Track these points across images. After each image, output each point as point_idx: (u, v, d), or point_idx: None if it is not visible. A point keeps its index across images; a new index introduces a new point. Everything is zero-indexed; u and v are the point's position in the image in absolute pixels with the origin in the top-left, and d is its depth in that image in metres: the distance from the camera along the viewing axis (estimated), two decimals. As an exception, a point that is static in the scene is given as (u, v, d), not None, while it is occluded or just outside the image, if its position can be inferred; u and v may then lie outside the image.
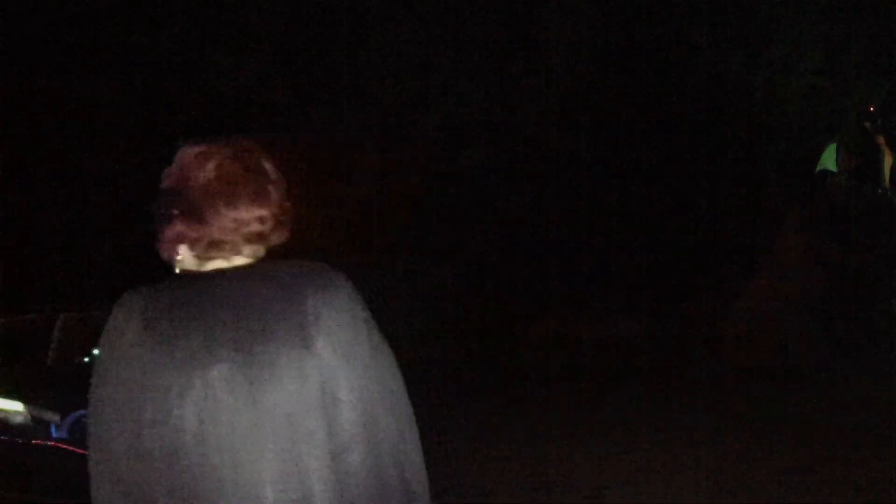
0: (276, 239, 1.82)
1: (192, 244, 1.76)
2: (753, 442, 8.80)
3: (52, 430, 6.99)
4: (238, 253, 1.78)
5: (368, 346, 1.76)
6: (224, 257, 1.78)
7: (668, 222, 15.86)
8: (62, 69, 14.03)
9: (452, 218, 16.25)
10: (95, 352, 1.74)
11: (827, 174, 14.25)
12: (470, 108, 15.57)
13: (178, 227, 1.76)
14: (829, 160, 14.20)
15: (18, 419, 7.09)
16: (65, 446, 6.80)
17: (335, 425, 1.69)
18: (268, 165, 1.83)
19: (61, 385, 7.24)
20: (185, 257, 1.79)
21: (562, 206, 16.11)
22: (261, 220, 1.78)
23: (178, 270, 1.80)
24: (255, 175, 1.79)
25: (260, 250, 1.81)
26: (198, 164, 1.78)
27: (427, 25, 15.01)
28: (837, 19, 14.58)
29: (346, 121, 15.38)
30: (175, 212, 1.77)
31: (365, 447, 1.71)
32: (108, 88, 14.37)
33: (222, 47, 14.79)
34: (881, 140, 14.55)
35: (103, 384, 1.65)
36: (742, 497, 7.05)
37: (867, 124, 14.28)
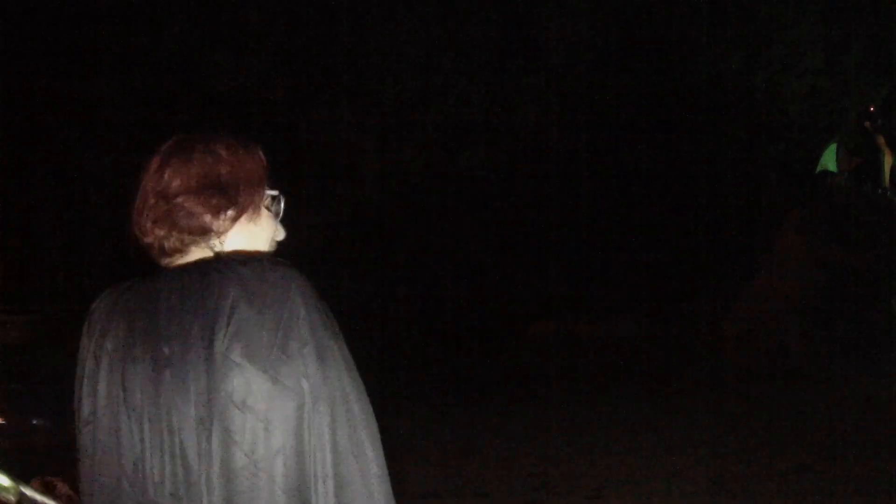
0: (223, 230, 1.71)
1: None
2: (753, 442, 8.80)
3: None
4: (186, 249, 1.71)
5: (296, 350, 1.59)
6: (181, 253, 1.72)
7: (669, 222, 15.86)
8: (62, 69, 14.03)
9: (452, 218, 16.25)
10: None
11: (827, 174, 14.24)
12: (470, 108, 15.57)
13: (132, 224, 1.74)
14: (829, 160, 14.19)
15: None
16: None
17: (238, 433, 1.56)
18: (220, 154, 1.73)
19: None
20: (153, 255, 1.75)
21: (562, 207, 16.11)
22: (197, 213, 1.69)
23: None
24: (194, 167, 1.71)
25: (217, 245, 1.71)
26: (149, 163, 1.77)
27: (427, 25, 15.00)
28: (837, 19, 14.58)
29: (346, 121, 15.38)
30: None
31: (264, 464, 1.57)
32: (108, 88, 14.37)
33: (222, 47, 14.79)
34: (881, 140, 14.54)
35: (74, 377, 1.70)
36: (742, 497, 7.05)
37: (867, 124, 14.27)
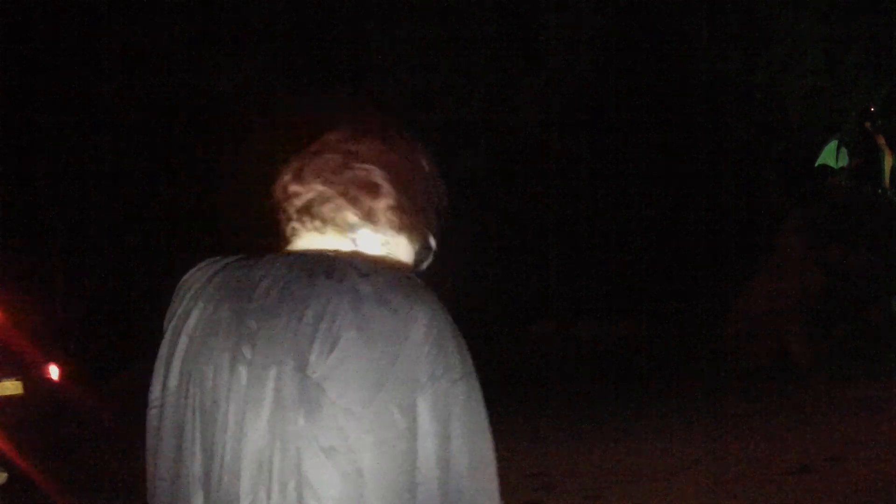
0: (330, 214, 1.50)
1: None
2: (753, 442, 8.80)
3: None
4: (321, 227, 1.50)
5: (408, 398, 1.32)
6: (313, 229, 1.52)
7: (669, 222, 15.86)
8: (62, 69, 14.03)
9: (452, 218, 16.25)
10: None
11: (827, 170, 14.27)
12: (470, 108, 15.57)
13: None
14: (829, 157, 14.22)
15: None
16: None
17: (318, 483, 1.32)
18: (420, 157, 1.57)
19: None
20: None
21: (562, 207, 16.11)
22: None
23: None
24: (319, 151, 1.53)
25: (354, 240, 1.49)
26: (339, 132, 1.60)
27: (427, 25, 15.01)
28: (837, 19, 14.58)
29: (346, 121, 15.37)
30: None
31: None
32: (108, 88, 14.37)
33: (222, 47, 14.79)
34: (881, 140, 14.57)
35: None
36: (742, 497, 7.05)
37: (867, 124, 14.32)
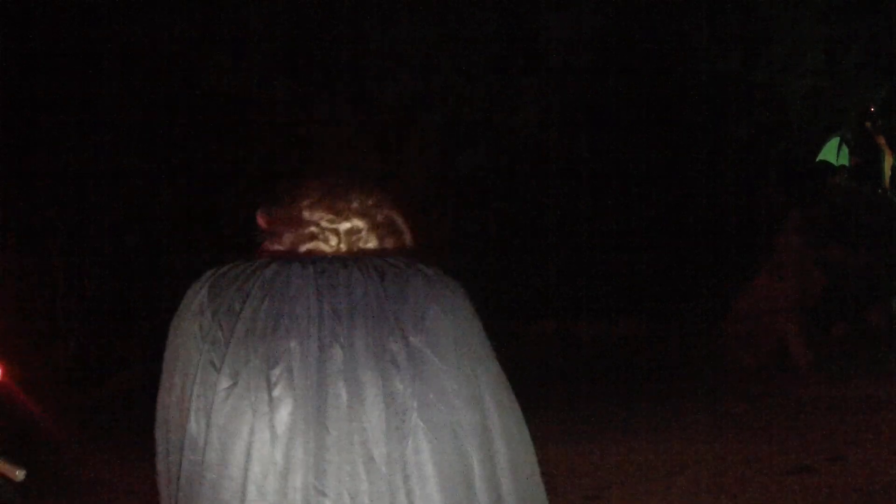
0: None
1: None
2: (753, 442, 8.80)
3: None
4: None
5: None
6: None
7: (669, 222, 15.86)
8: (62, 69, 14.03)
9: (452, 218, 16.25)
10: None
11: (827, 170, 14.26)
12: (470, 108, 15.57)
13: None
14: (829, 154, 14.22)
15: None
16: None
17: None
18: None
19: None
20: None
21: (562, 207, 16.11)
22: None
23: None
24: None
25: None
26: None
27: (427, 25, 15.01)
28: (837, 19, 14.58)
29: (346, 121, 15.39)
30: None
31: None
32: (108, 88, 14.37)
33: (222, 47, 14.79)
34: (881, 140, 14.56)
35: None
36: (742, 497, 7.05)
37: (867, 124, 14.31)
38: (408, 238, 1.76)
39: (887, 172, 14.18)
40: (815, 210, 13.98)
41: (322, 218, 1.70)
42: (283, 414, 1.47)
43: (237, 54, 14.88)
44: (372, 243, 1.71)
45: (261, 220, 1.72)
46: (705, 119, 15.44)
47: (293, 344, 1.49)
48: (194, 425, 1.46)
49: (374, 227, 1.73)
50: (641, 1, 15.34)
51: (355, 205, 1.72)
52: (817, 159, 13.86)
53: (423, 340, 1.51)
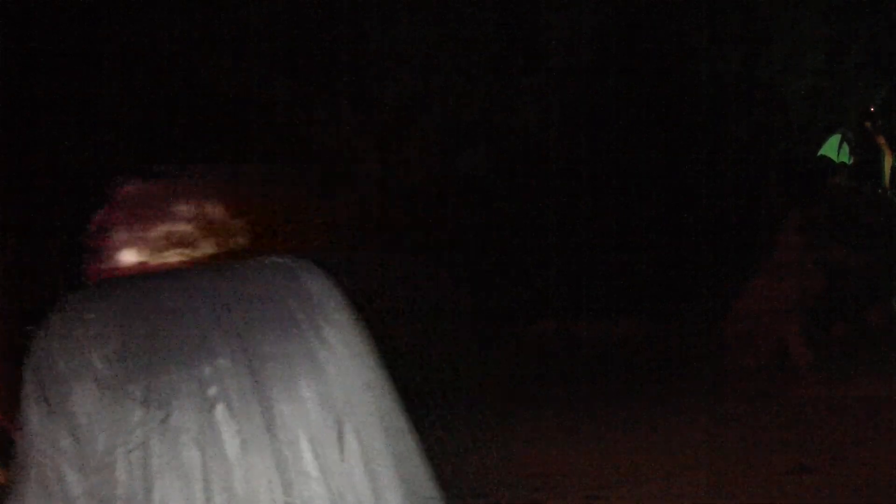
0: None
1: None
2: (753, 442, 8.80)
3: None
4: None
5: None
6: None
7: (668, 222, 15.85)
8: (62, 69, 14.03)
9: (452, 218, 16.25)
10: None
11: (827, 170, 14.25)
12: (470, 108, 15.57)
13: None
14: (830, 150, 14.21)
15: None
16: None
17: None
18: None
19: None
20: None
21: (562, 207, 16.10)
22: None
23: None
24: None
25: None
26: None
27: (427, 25, 15.00)
28: (837, 19, 14.59)
29: (346, 121, 15.39)
30: None
31: None
32: (108, 88, 14.36)
33: (222, 47, 14.79)
34: (881, 140, 14.56)
35: None
36: (742, 497, 7.05)
37: (867, 124, 14.30)
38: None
39: (887, 172, 14.19)
40: (815, 210, 13.98)
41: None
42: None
43: (237, 54, 14.88)
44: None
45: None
46: (705, 119, 15.43)
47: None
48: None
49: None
50: (641, 1, 15.34)
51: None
52: (818, 154, 13.86)
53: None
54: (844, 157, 14.40)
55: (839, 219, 13.80)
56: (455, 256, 16.55)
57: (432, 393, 13.95)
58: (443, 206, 16.23)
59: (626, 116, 15.46)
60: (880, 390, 10.34)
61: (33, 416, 1.59)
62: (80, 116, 14.24)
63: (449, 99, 15.60)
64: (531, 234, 16.47)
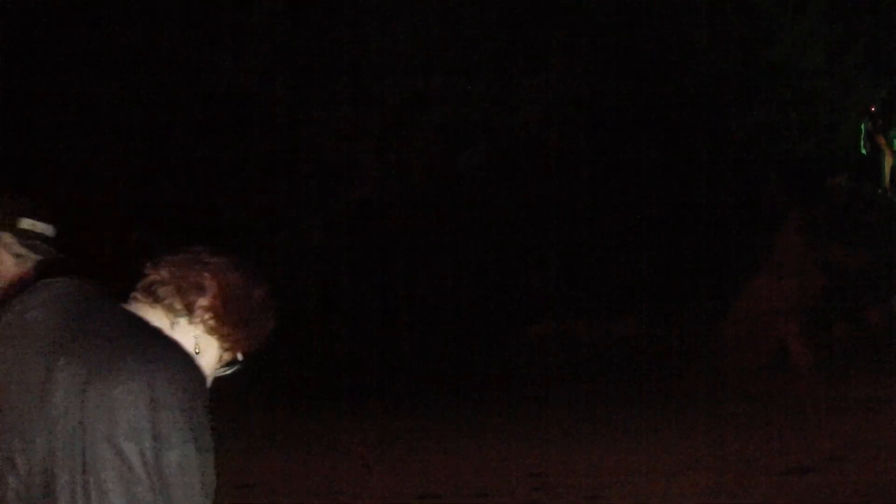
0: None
1: None
2: (753, 442, 8.80)
3: None
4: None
5: None
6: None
7: (668, 222, 15.85)
8: (62, 69, 14.03)
9: (452, 218, 16.25)
10: None
11: (827, 170, 14.27)
12: (470, 108, 15.57)
13: None
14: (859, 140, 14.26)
15: None
16: None
17: None
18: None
19: None
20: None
21: (561, 207, 16.10)
22: None
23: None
24: None
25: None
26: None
27: (427, 25, 15.01)
28: (837, 19, 14.59)
29: (346, 121, 15.39)
30: None
31: None
32: (108, 88, 14.37)
33: (222, 47, 14.79)
34: (881, 140, 14.56)
35: None
36: (742, 497, 7.05)
37: (867, 124, 14.30)
38: (206, 303, 1.88)
39: (887, 172, 14.19)
40: (815, 210, 13.98)
41: (145, 275, 1.89)
42: None
43: (237, 54, 14.88)
44: (172, 300, 1.90)
45: None
46: (705, 119, 15.43)
47: None
48: None
49: (178, 284, 1.88)
50: (641, 1, 15.34)
51: (172, 259, 1.90)
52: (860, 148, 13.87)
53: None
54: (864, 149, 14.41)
55: (839, 219, 13.81)
56: (455, 256, 16.57)
57: (432, 392, 13.97)
58: (443, 206, 16.24)
59: (626, 116, 15.46)
60: (880, 390, 10.33)
61: None
62: (80, 116, 14.25)
63: (449, 99, 15.61)
64: (531, 235, 16.48)
